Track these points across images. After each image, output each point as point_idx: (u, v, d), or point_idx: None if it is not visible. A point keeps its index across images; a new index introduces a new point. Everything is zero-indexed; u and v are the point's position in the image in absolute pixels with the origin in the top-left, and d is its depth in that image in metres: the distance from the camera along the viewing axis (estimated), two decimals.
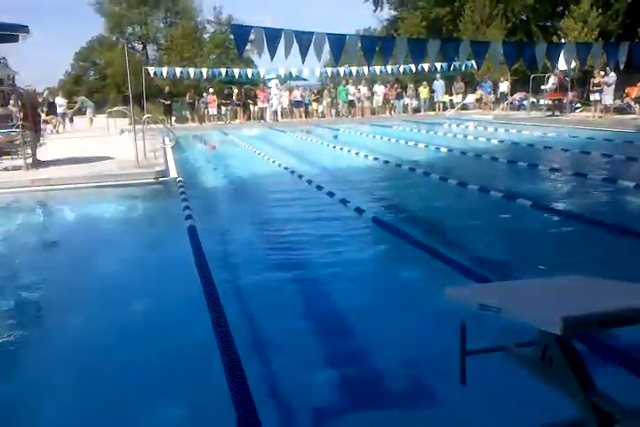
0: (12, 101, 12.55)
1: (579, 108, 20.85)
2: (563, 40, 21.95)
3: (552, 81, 19.81)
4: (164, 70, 23.60)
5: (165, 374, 3.14)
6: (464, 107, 25.40)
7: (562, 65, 9.08)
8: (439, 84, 25.30)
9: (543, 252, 5.30)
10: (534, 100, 22.24)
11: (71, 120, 23.92)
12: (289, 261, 5.18)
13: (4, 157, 11.31)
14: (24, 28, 10.33)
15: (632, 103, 18.60)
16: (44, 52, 79.58)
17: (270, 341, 3.59)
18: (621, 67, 8.99)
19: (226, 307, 3.71)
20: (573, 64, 9.51)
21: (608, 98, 18.13)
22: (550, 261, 4.82)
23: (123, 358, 3.33)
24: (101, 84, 48.40)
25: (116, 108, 21.08)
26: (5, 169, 10.35)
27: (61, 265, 5.35)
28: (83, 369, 3.22)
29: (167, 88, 24.04)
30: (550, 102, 20.20)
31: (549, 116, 19.44)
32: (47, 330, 3.94)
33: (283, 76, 25.29)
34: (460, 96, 25.47)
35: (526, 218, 6.54)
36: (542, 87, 20.72)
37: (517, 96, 23.69)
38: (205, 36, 42.95)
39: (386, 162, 11.06)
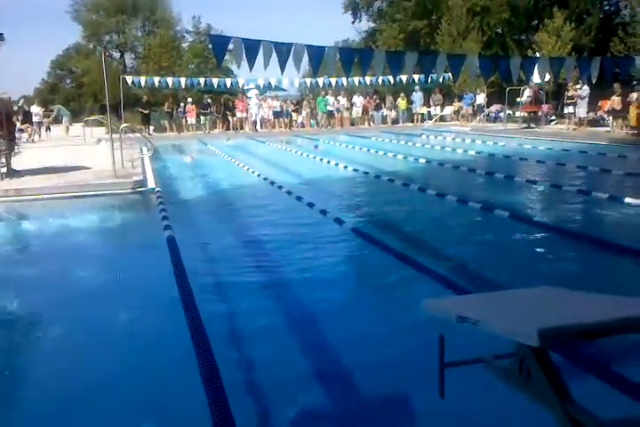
0: None
1: (553, 120, 21.26)
2: (537, 53, 22.39)
3: (527, 94, 20.20)
4: (142, 79, 23.46)
5: (137, 390, 3.09)
6: (442, 118, 25.71)
7: (536, 78, 9.26)
8: (417, 96, 25.59)
9: (520, 262, 5.36)
10: (510, 112, 22.62)
11: (48, 129, 23.63)
12: (268, 272, 5.18)
13: None
14: None
15: (605, 116, 19.02)
16: (20, 59, 78.62)
17: (246, 350, 3.57)
18: (594, 80, 9.19)
19: (204, 317, 3.69)
20: (548, 77, 9.70)
21: (582, 111, 18.52)
22: (526, 272, 4.88)
23: (95, 373, 3.28)
24: (78, 92, 47.97)
25: (92, 117, 20.91)
26: None
27: (33, 277, 5.24)
28: (51, 386, 3.16)
29: (145, 97, 23.92)
30: (526, 115, 20.58)
31: (525, 128, 19.78)
32: (17, 342, 3.86)
33: (262, 87, 25.33)
34: (439, 108, 25.78)
35: (504, 229, 6.62)
36: (518, 100, 21.09)
37: (494, 108, 24.07)
38: (184, 45, 42.88)
39: (365, 173, 11.12)
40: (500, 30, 33.78)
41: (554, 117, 21.39)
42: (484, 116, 23.64)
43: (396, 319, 3.95)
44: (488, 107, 24.14)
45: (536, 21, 31.17)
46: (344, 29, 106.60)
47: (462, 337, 2.26)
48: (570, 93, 18.68)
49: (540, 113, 20.67)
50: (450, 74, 11.21)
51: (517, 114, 21.92)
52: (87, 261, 5.70)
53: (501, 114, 22.91)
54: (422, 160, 12.89)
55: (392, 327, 3.85)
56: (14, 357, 3.63)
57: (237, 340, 3.80)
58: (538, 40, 25.64)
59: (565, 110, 19.52)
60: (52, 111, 24.48)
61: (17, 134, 15.66)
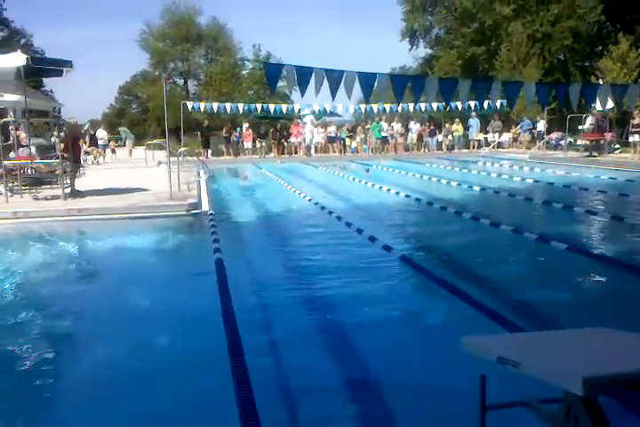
0: (55, 133, 13.01)
1: (618, 148, 20.48)
2: (600, 80, 21.77)
3: (589, 121, 19.58)
4: (202, 105, 24.22)
5: (179, 414, 3.08)
6: (499, 145, 25.25)
7: (599, 105, 8.95)
8: (474, 122, 25.28)
9: (577, 298, 5.09)
10: (571, 139, 21.97)
11: (113, 151, 24.69)
12: (316, 300, 5.12)
13: (43, 186, 11.65)
14: (68, 63, 10.75)
15: None
16: (90, 85, 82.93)
17: (288, 380, 3.51)
18: None
19: (245, 340, 3.67)
20: (611, 104, 9.36)
21: None
22: (583, 308, 4.64)
23: (140, 394, 3.30)
24: (143, 117, 50.03)
25: (154, 141, 21.70)
26: (44, 198, 10.63)
27: (90, 296, 5.39)
28: (98, 407, 3.19)
29: (205, 122, 24.64)
30: (588, 143, 19.90)
31: (587, 156, 19.12)
32: (72, 360, 3.93)
33: (317, 112, 25.66)
34: (497, 134, 25.35)
35: (561, 262, 6.34)
36: (579, 127, 20.47)
37: (554, 136, 23.44)
38: (244, 72, 44.14)
39: (417, 199, 10.97)
40: (561, 56, 33.17)
41: (618, 146, 20.62)
42: (544, 144, 23.05)
43: (439, 355, 3.81)
44: (548, 134, 23.55)
45: (600, 47, 30.47)
46: (401, 56, 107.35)
47: (506, 377, 2.12)
48: (636, 121, 18.00)
49: (602, 141, 19.97)
50: (505, 100, 11.04)
51: (579, 142, 21.26)
52: (138, 280, 5.83)
53: (562, 141, 22.29)
54: (477, 188, 12.63)
55: (434, 362, 3.71)
56: (62, 373, 3.69)
57: (276, 368, 3.76)
58: (602, 66, 24.96)
59: (630, 139, 18.78)
60: (118, 134, 25.57)
61: (83, 157, 16.39)
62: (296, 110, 25.82)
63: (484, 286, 5.42)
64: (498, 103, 19.40)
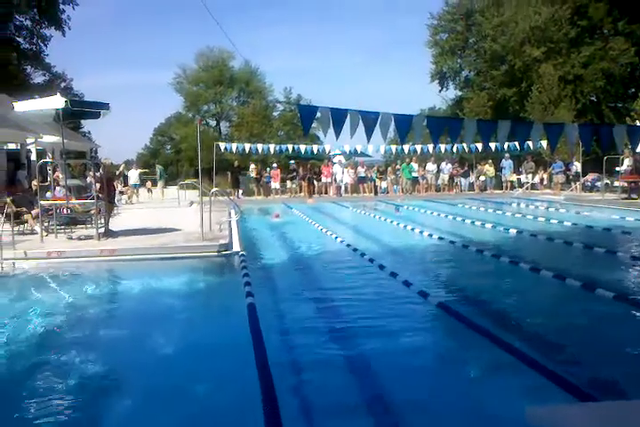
0: (91, 173, 13.25)
1: None
2: (638, 122, 21.43)
3: (627, 162, 19.16)
4: (234, 145, 24.61)
5: None
6: (533, 186, 24.89)
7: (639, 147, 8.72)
8: (507, 163, 25.07)
9: (631, 353, 4.74)
10: (608, 181, 21.51)
11: (149, 191, 25.13)
12: (346, 346, 4.92)
13: (78, 226, 11.77)
14: (105, 106, 11.02)
15: None
16: (126, 127, 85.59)
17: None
18: None
19: (278, 389, 3.49)
20: None
21: None
22: (632, 362, 4.31)
23: None
24: (176, 157, 51.19)
25: (187, 181, 21.99)
26: (78, 238, 10.70)
27: (118, 338, 5.28)
28: None
29: (236, 162, 24.97)
30: (626, 184, 19.42)
31: (625, 198, 18.61)
32: (100, 404, 3.81)
33: (348, 153, 25.81)
34: (530, 175, 25.04)
35: (608, 311, 6.00)
36: (617, 169, 20.04)
37: (590, 177, 23.01)
38: (275, 113, 45.01)
39: (451, 242, 10.71)
40: (594, 98, 32.99)
41: None
42: (580, 185, 22.61)
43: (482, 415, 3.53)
44: (584, 175, 23.13)
45: (633, 89, 30.24)
46: (430, 97, 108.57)
47: None
48: None
49: None
50: (544, 142, 10.87)
51: (616, 184, 20.78)
52: (168, 324, 5.72)
53: (598, 183, 21.82)
54: (513, 230, 12.31)
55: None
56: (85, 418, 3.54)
57: (309, 414, 3.55)
58: (637, 108, 24.64)
59: None
60: (153, 172, 26.02)
61: (117, 197, 16.64)
62: (327, 151, 26.02)
63: (525, 336, 5.12)
64: (530, 144, 19.20)
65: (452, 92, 41.06)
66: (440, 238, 11.14)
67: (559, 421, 1.74)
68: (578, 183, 22.65)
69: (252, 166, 25.41)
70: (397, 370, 4.37)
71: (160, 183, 25.37)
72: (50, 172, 14.07)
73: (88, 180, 13.96)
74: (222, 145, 24.43)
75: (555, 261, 9.01)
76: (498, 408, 3.60)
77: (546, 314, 6.10)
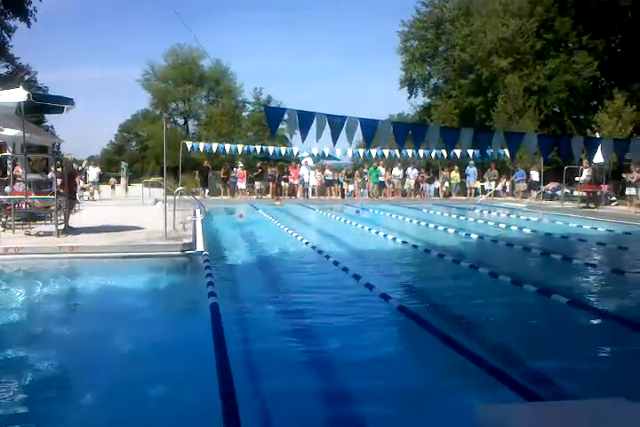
0: (52, 168, 12.96)
1: (614, 201, 20.58)
2: (597, 134, 22.10)
3: (586, 173, 19.75)
4: (201, 145, 24.43)
5: None
6: (496, 193, 25.40)
7: (597, 158, 9.01)
8: (472, 171, 25.52)
9: (583, 357, 4.88)
10: (568, 190, 22.11)
11: (113, 187, 24.73)
12: (309, 347, 4.95)
13: (37, 222, 11.50)
14: (69, 101, 10.80)
15: None
16: (91, 122, 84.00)
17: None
18: None
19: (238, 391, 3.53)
20: (601, 158, 9.44)
21: None
22: (590, 370, 4.45)
23: None
24: (142, 154, 50.44)
25: (152, 179, 21.72)
26: (37, 234, 10.46)
27: (75, 337, 5.17)
28: None
29: (206, 162, 24.79)
30: (584, 194, 20.01)
31: (584, 207, 19.18)
32: (53, 405, 3.72)
33: (315, 155, 25.91)
34: (493, 183, 25.55)
35: (562, 316, 6.17)
36: (577, 179, 20.63)
37: (551, 186, 23.61)
38: (244, 114, 44.83)
39: (414, 246, 10.86)
40: (557, 109, 33.87)
41: (614, 198, 20.73)
42: (540, 194, 23.18)
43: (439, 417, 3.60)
44: (545, 184, 23.72)
45: (595, 102, 31.14)
46: (399, 103, 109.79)
47: None
48: (632, 175, 18.15)
49: (599, 193, 20.09)
50: (506, 150, 11.13)
51: (575, 193, 21.38)
52: (128, 322, 5.63)
53: (558, 192, 22.41)
54: (475, 235, 12.54)
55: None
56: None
57: (268, 416, 3.56)
58: (597, 120, 25.41)
59: (627, 192, 18.90)
60: (121, 170, 25.62)
61: (79, 193, 16.33)
62: (295, 153, 26.06)
63: (480, 339, 5.24)
64: (496, 153, 19.62)
65: (420, 99, 41.64)
66: (403, 242, 11.27)
67: (508, 419, 1.80)
68: (538, 192, 23.19)
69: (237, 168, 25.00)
70: (355, 365, 4.42)
71: (123, 180, 24.99)
72: (9, 166, 13.70)
73: (49, 175, 13.64)
74: (189, 144, 24.21)
75: (513, 267, 9.22)
76: (447, 406, 3.67)
77: (500, 315, 6.25)
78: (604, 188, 20.20)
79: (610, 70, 32.46)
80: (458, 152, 21.29)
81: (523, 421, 1.73)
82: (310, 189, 25.14)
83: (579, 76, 32.06)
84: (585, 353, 4.97)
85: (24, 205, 11.17)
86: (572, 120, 33.56)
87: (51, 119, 39.17)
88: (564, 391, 4.02)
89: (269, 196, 24.22)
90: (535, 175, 24.22)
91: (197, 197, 18.05)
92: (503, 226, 14.86)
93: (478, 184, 25.93)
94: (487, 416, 1.89)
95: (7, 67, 37.46)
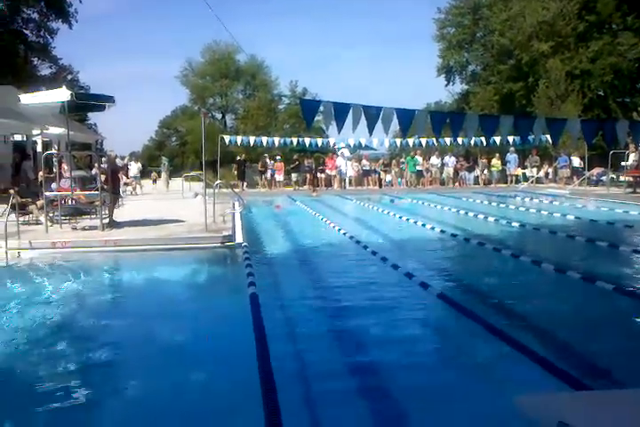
0: (95, 165, 13.32)
1: None
2: None
3: (633, 157, 19.09)
4: (239, 138, 24.65)
5: None
6: (538, 180, 24.82)
7: None
8: (512, 157, 24.99)
9: (632, 345, 4.76)
10: (614, 176, 21.43)
11: (154, 182, 25.25)
12: (347, 337, 4.98)
13: (83, 216, 11.86)
14: (110, 99, 11.08)
15: None
16: (133, 119, 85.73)
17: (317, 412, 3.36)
18: None
19: (279, 380, 3.58)
20: None
21: None
22: (628, 355, 4.34)
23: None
24: (181, 149, 51.23)
25: (192, 173, 22.05)
26: (83, 228, 10.78)
27: (120, 329, 5.34)
28: None
29: (244, 155, 25.02)
30: (631, 179, 19.35)
31: (630, 193, 18.56)
32: (99, 394, 3.86)
33: (352, 146, 25.80)
34: (535, 169, 24.97)
35: (608, 303, 6.03)
36: (622, 163, 19.97)
37: (595, 171, 22.93)
38: (281, 106, 44.95)
39: (453, 235, 10.73)
40: (601, 93, 32.78)
41: None
42: (585, 180, 22.55)
43: (480, 406, 3.57)
44: (589, 170, 23.06)
45: None
46: (437, 91, 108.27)
47: None
48: None
49: None
50: (548, 136, 10.86)
51: (621, 178, 20.71)
52: (170, 314, 5.76)
53: (604, 177, 21.75)
54: (516, 224, 12.31)
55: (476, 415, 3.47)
56: (88, 409, 3.60)
57: (309, 401, 3.61)
58: None
59: None
60: (163, 165, 26.07)
61: (122, 188, 16.72)
62: (331, 144, 26.01)
63: (527, 329, 5.16)
64: (537, 139, 19.13)
65: (458, 87, 40.92)
66: (442, 232, 11.15)
67: (548, 409, 1.77)
68: (582, 178, 22.55)
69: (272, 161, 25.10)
70: (397, 355, 4.43)
71: (164, 175, 25.44)
72: (55, 163, 14.14)
73: (93, 171, 14.01)
74: (227, 138, 24.45)
75: (557, 255, 9.04)
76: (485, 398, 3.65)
77: (545, 304, 6.12)
78: None
79: None
80: (497, 139, 20.87)
81: (565, 411, 1.70)
82: (347, 180, 25.09)
83: (624, 57, 30.89)
84: (630, 341, 4.85)
85: (70, 201, 11.53)
86: (617, 103, 32.41)
87: (93, 117, 40.24)
88: (609, 380, 3.94)
89: (307, 187, 24.28)
90: (576, 161, 23.56)
91: (236, 189, 18.26)
92: (545, 213, 14.52)
93: (519, 171, 25.38)
94: (527, 407, 1.87)
95: (51, 67, 38.56)
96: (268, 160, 25.02)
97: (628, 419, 1.63)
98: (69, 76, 39.30)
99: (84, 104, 11.10)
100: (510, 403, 1.97)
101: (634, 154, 18.97)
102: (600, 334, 5.10)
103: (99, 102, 11.22)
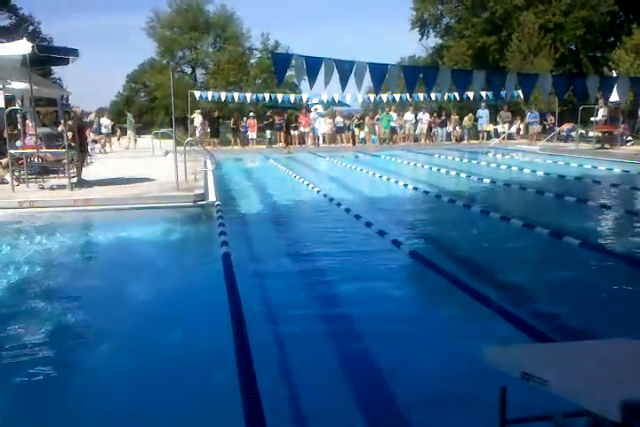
0: (62, 121, 12.92)
1: (630, 141, 20.18)
2: (614, 72, 21.42)
3: (602, 113, 19.28)
4: (209, 94, 24.09)
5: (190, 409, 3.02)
6: (509, 136, 24.97)
7: (613, 97, 8.76)
8: (484, 113, 24.99)
9: (596, 299, 4.92)
10: (583, 131, 21.66)
11: (119, 139, 24.60)
12: (320, 294, 5.05)
13: (50, 175, 11.59)
14: (74, 52, 10.66)
15: None
16: (99, 73, 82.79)
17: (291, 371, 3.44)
18: None
19: (252, 336, 3.62)
20: (617, 97, 9.18)
21: None
22: (604, 312, 4.50)
23: (138, 388, 3.26)
24: (150, 105, 49.79)
25: (161, 130, 21.57)
26: (50, 188, 10.57)
27: (89, 290, 5.31)
28: (101, 401, 3.12)
29: (216, 113, 24.49)
30: (600, 135, 19.61)
31: (599, 148, 18.85)
32: (74, 354, 3.87)
33: (325, 102, 25.47)
34: (506, 125, 25.07)
35: (575, 258, 6.20)
36: (592, 119, 20.17)
37: (565, 127, 23.15)
38: (252, 61, 43.87)
39: (425, 192, 10.83)
40: (573, 47, 32.72)
41: (630, 138, 20.31)
42: (555, 135, 22.76)
43: (450, 357, 3.70)
44: (559, 125, 23.25)
45: (612, 38, 30.01)
46: (410, 45, 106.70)
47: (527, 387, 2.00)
48: None
49: (615, 133, 19.67)
50: (519, 91, 10.86)
51: (590, 133, 20.97)
52: (142, 272, 5.76)
53: (573, 133, 21.99)
54: (487, 180, 12.46)
55: (443, 365, 3.60)
56: (57, 369, 3.62)
57: (282, 360, 3.69)
58: (615, 57, 24.56)
59: None
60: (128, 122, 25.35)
61: (90, 146, 16.33)
62: (304, 100, 25.63)
63: (492, 282, 5.30)
64: (509, 95, 19.11)
65: (432, 41, 40.35)
66: (415, 189, 11.23)
67: (514, 361, 1.84)
68: (552, 133, 22.76)
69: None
70: (369, 310, 4.52)
71: (130, 132, 24.77)
72: (19, 119, 13.68)
73: (59, 128, 13.61)
74: (197, 93, 23.89)
75: (526, 210, 9.22)
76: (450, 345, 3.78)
77: (512, 260, 6.29)
78: (620, 128, 19.75)
79: (628, 4, 31.03)
80: (471, 95, 20.80)
81: (528, 362, 1.77)
82: (321, 137, 24.88)
83: (596, 10, 30.74)
84: (593, 294, 5.02)
85: (36, 159, 11.23)
86: (589, 58, 32.43)
87: (58, 71, 38.75)
88: (571, 332, 4.10)
89: (280, 145, 24.05)
90: (551, 118, 23.69)
91: (208, 147, 18.00)
92: (515, 169, 14.71)
93: (491, 127, 25.47)
94: (494, 360, 1.93)
95: (10, 18, 36.75)
96: (240, 117, 24.59)
97: (585, 367, 1.70)
98: (30, 28, 37.56)
99: (47, 57, 10.67)
100: (473, 355, 2.05)
101: (602, 109, 19.14)
102: (564, 287, 5.27)
103: (62, 55, 10.78)
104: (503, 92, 9.09)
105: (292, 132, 24.41)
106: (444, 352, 3.77)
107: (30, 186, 10.67)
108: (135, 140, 24.11)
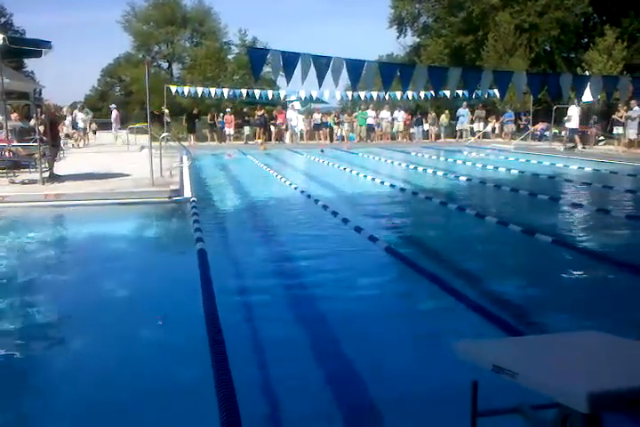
0: (34, 115, 12.68)
1: (602, 140, 20.56)
2: (587, 72, 21.77)
3: (570, 112, 19.59)
4: (187, 89, 23.87)
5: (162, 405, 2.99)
6: (484, 135, 25.25)
7: (587, 97, 8.91)
8: (464, 112, 25.19)
9: (565, 294, 5.02)
10: (556, 131, 21.99)
11: (94, 133, 24.17)
12: (296, 290, 5.03)
13: (21, 170, 11.37)
14: (47, 44, 10.45)
15: None
16: (73, 67, 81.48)
17: (264, 365, 3.44)
18: None
19: (226, 333, 3.59)
20: (590, 97, 9.36)
21: (632, 132, 17.85)
22: (572, 306, 4.59)
23: (121, 383, 3.22)
24: (126, 100, 49.13)
25: (137, 125, 21.32)
26: (22, 182, 10.37)
27: (63, 283, 5.23)
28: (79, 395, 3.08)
29: (196, 109, 24.25)
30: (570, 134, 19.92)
31: (572, 147, 19.16)
32: (47, 350, 3.80)
33: (303, 99, 25.41)
34: (482, 124, 25.33)
35: (547, 255, 6.30)
36: (565, 119, 20.49)
37: (539, 126, 23.48)
38: (230, 56, 43.54)
39: (402, 189, 10.89)
40: (548, 47, 33.17)
41: (602, 138, 20.69)
42: (529, 135, 23.07)
43: (425, 353, 3.73)
44: (533, 125, 23.57)
45: (586, 39, 30.50)
46: (388, 44, 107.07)
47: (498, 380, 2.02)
48: (620, 114, 18.06)
49: (588, 133, 20.02)
50: (495, 90, 10.97)
51: (564, 133, 21.30)
52: (115, 269, 5.67)
53: (547, 133, 22.32)
54: (463, 178, 12.58)
55: (418, 361, 3.62)
56: (34, 362, 3.56)
57: (257, 357, 3.67)
58: (588, 58, 24.98)
59: (615, 131, 18.85)
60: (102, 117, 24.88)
61: (63, 140, 16.04)
62: (282, 96, 25.53)
63: (466, 278, 5.35)
64: (485, 93, 19.30)
65: (410, 39, 40.51)
66: (391, 186, 11.28)
67: (484, 354, 1.86)
68: (527, 132, 23.06)
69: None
70: (346, 307, 4.52)
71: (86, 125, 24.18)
72: None
73: (31, 122, 13.35)
74: (174, 88, 23.63)
75: (500, 208, 9.33)
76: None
77: (486, 256, 6.37)
78: (594, 128, 20.10)
79: (602, 6, 31.55)
80: (447, 93, 20.93)
81: (501, 358, 1.79)
82: (298, 134, 24.83)
83: (570, 12, 31.19)
84: (566, 289, 5.11)
85: (7, 153, 11.01)
86: (563, 59, 32.90)
87: (31, 65, 37.99)
88: (542, 326, 4.16)
89: (258, 141, 23.94)
90: (527, 117, 24.00)
91: (184, 143, 17.84)
92: (490, 167, 14.87)
93: (467, 126, 25.73)
94: (465, 353, 1.94)
95: None
96: (218, 113, 24.40)
97: (554, 359, 1.73)
98: (2, 19, 36.73)
99: (19, 49, 10.44)
100: (443, 348, 2.07)
101: (572, 108, 19.44)
102: (536, 283, 5.35)
103: (34, 48, 10.56)
104: (479, 91, 9.19)
105: (271, 128, 24.34)
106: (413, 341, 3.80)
107: (1, 180, 10.45)
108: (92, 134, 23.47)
